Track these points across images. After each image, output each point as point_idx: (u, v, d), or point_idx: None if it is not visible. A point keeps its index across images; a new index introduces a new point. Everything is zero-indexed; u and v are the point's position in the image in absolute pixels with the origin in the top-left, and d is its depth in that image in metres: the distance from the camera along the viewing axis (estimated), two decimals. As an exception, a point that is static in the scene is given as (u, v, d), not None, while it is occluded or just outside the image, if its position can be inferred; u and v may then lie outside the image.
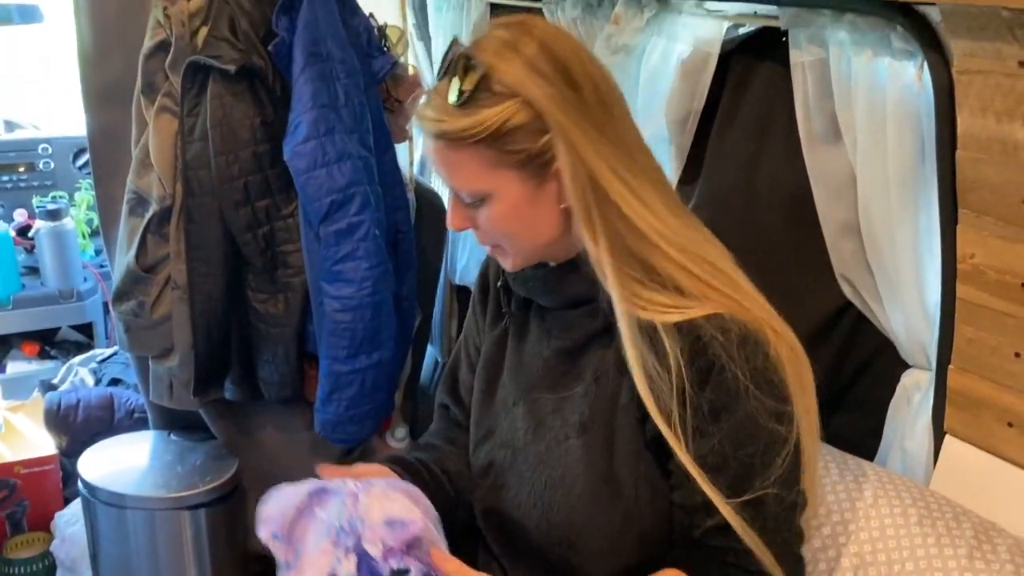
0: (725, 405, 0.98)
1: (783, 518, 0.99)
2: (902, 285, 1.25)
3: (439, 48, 2.28)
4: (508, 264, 1.10)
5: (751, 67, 1.43)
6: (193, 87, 1.79)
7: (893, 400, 1.34)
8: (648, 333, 1.00)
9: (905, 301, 1.26)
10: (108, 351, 2.76)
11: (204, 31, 1.82)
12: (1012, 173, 1.04)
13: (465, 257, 2.53)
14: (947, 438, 1.29)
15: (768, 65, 1.40)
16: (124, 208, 1.87)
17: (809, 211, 1.34)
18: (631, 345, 1.00)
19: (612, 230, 1.01)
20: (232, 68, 1.74)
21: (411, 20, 2.33)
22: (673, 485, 1.02)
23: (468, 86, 0.95)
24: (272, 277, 1.91)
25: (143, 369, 2.04)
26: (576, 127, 0.97)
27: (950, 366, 1.24)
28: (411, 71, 2.18)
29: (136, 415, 2.37)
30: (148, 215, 1.84)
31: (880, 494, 1.24)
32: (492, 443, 1.20)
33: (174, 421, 2.15)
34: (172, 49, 1.78)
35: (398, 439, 2.30)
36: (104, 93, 1.90)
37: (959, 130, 1.08)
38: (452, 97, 0.96)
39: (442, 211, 2.46)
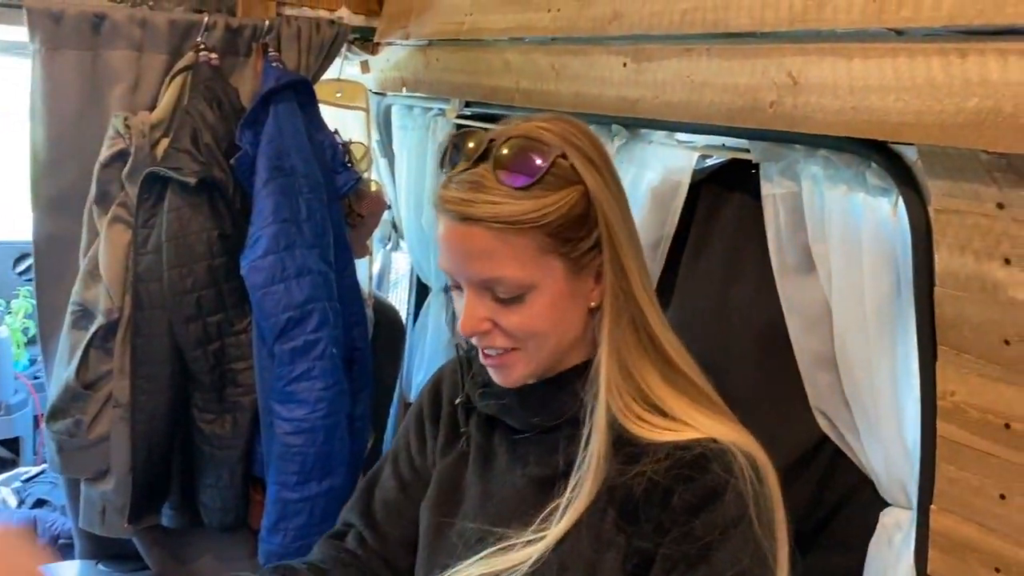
0: (719, 537, 0.92)
1: None
2: (881, 420, 1.22)
3: (403, 165, 2.28)
4: (512, 376, 1.01)
5: (722, 196, 1.44)
6: (150, 198, 1.75)
7: (873, 539, 1.29)
8: (633, 451, 0.97)
9: (884, 437, 1.23)
10: (35, 469, 2.59)
11: (165, 142, 1.79)
12: (992, 312, 1.04)
13: (422, 373, 2.45)
14: (931, 582, 1.24)
15: (739, 195, 1.40)
16: (67, 320, 1.78)
17: (783, 342, 1.32)
18: (603, 459, 0.96)
19: (624, 338, 1.00)
20: (192, 180, 1.70)
21: (375, 137, 2.33)
22: None
23: (536, 170, 0.93)
24: (220, 396, 1.82)
25: (74, 493, 1.90)
26: (618, 225, 0.98)
27: (932, 506, 1.20)
28: (374, 187, 2.17)
29: (61, 541, 2.19)
30: (93, 329, 1.75)
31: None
32: None
33: (103, 549, 1.99)
34: (131, 159, 1.74)
35: (345, 569, 2.16)
36: (54, 200, 1.83)
37: (937, 268, 1.08)
38: (515, 181, 0.93)
39: (400, 327, 2.41)
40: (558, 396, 1.05)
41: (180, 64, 1.84)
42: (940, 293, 1.10)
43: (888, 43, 0.99)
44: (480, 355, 1.06)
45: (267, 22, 1.94)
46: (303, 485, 1.74)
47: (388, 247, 2.59)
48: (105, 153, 1.75)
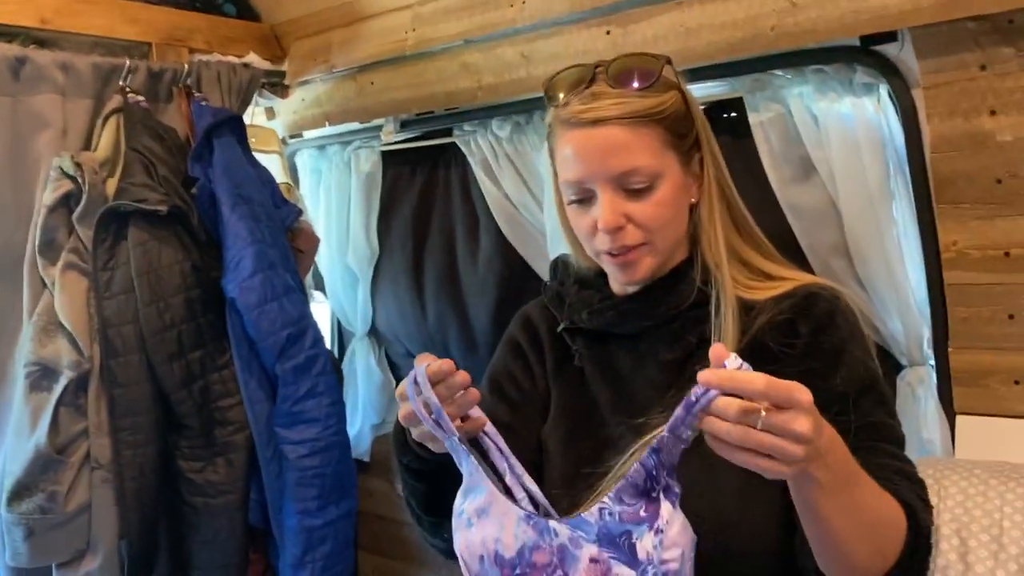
0: (843, 345, 1.04)
1: (901, 445, 1.04)
2: (896, 288, 1.43)
3: (322, 208, 2.28)
4: (640, 269, 1.08)
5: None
6: (107, 238, 1.64)
7: (899, 399, 1.48)
8: (751, 313, 1.08)
9: (899, 302, 1.44)
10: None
11: (112, 182, 1.70)
12: (985, 158, 1.29)
13: (358, 422, 2.39)
14: (959, 418, 1.44)
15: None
16: (22, 386, 1.58)
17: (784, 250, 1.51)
18: (734, 325, 1.07)
19: (726, 222, 1.11)
20: (163, 208, 1.63)
21: (283, 185, 2.32)
22: None
23: (652, 75, 1.04)
24: (209, 439, 1.69)
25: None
26: (705, 128, 1.10)
27: (949, 350, 1.42)
28: (305, 225, 2.14)
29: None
30: (60, 386, 1.57)
31: (941, 475, 1.34)
32: None
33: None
34: (84, 199, 1.63)
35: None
36: (-18, 265, 1.65)
37: (930, 137, 1.33)
38: (638, 83, 1.03)
39: (340, 371, 2.34)
40: (676, 287, 1.13)
41: (111, 106, 1.76)
42: (934, 158, 1.35)
43: (877, -48, 1.24)
44: (605, 258, 1.11)
45: (186, 66, 1.92)
46: (324, 510, 1.66)
47: (302, 300, 2.52)
48: (51, 197, 1.62)
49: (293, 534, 1.64)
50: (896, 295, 1.45)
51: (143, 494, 1.60)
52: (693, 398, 0.74)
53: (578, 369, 1.21)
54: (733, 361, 0.73)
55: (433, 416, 0.90)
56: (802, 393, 0.74)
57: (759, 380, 0.73)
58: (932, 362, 1.47)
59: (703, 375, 0.75)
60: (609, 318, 1.17)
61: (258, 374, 1.70)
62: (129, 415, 1.60)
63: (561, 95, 1.08)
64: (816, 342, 1.05)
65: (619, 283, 1.15)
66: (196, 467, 1.67)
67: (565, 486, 1.14)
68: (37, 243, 1.63)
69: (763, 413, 0.72)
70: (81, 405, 1.59)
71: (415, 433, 0.98)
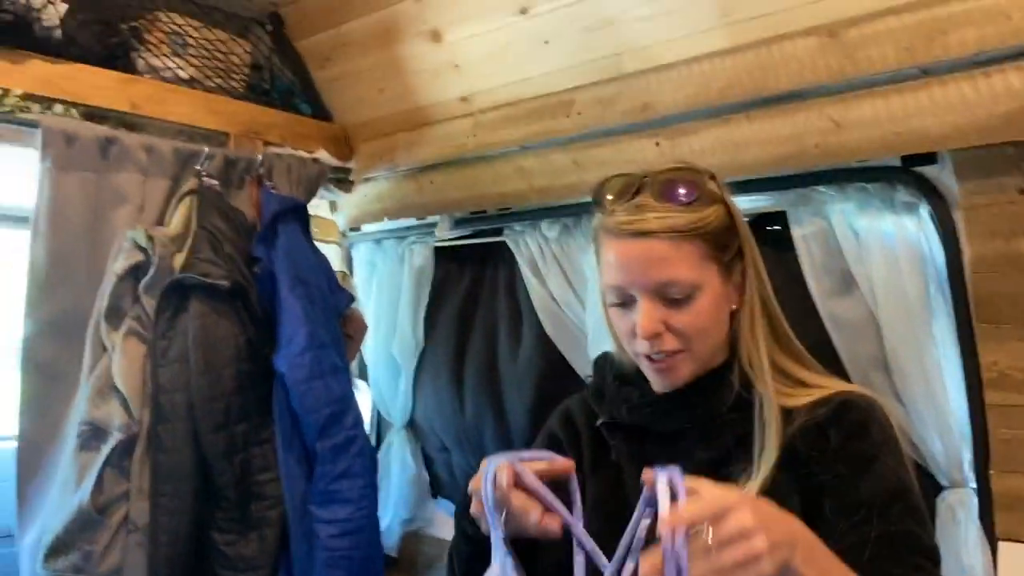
0: (874, 452, 1.04)
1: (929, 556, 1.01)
2: (936, 406, 1.42)
3: (373, 298, 2.36)
4: (678, 375, 1.11)
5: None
6: (167, 309, 1.72)
7: (939, 522, 1.45)
8: (787, 419, 1.09)
9: (939, 421, 1.43)
10: None
11: (179, 257, 1.79)
12: (1024, 281, 1.32)
13: (389, 513, 2.38)
14: (1001, 544, 1.41)
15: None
16: (73, 444, 1.64)
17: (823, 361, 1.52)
18: (778, 432, 1.07)
19: (765, 331, 1.13)
20: (226, 284, 1.71)
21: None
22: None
23: (696, 190, 1.08)
24: (244, 513, 1.71)
25: (59, 653, 1.64)
26: (749, 240, 1.14)
27: (991, 472, 1.40)
28: (356, 311, 2.22)
29: None
30: (108, 447, 1.62)
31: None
32: None
33: None
34: (152, 270, 1.72)
35: None
36: (51, 325, 1.73)
37: (969, 257, 1.35)
38: (682, 198, 1.07)
39: (376, 460, 2.36)
40: (716, 389, 1.15)
41: (187, 187, 1.88)
42: (974, 278, 1.37)
43: (918, 80, 1.30)
44: (644, 362, 1.14)
45: (260, 156, 2.05)
46: (349, 594, 1.65)
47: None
48: (123, 265, 1.72)
49: (317, 616, 1.63)
50: (936, 413, 1.44)
51: (175, 562, 1.62)
52: (668, 548, 0.77)
53: (615, 464, 1.23)
54: (661, 484, 0.81)
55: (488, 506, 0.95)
56: (727, 495, 0.81)
57: (695, 509, 0.80)
58: (973, 485, 1.45)
59: (661, 527, 0.79)
60: (647, 415, 1.19)
61: (298, 451, 1.73)
62: (170, 481, 1.63)
63: (608, 202, 1.13)
64: (845, 448, 1.06)
65: (658, 385, 1.18)
66: (229, 539, 1.69)
67: None
68: (104, 308, 1.71)
69: (710, 531, 0.78)
70: (125, 467, 1.64)
71: (474, 508, 1.02)
